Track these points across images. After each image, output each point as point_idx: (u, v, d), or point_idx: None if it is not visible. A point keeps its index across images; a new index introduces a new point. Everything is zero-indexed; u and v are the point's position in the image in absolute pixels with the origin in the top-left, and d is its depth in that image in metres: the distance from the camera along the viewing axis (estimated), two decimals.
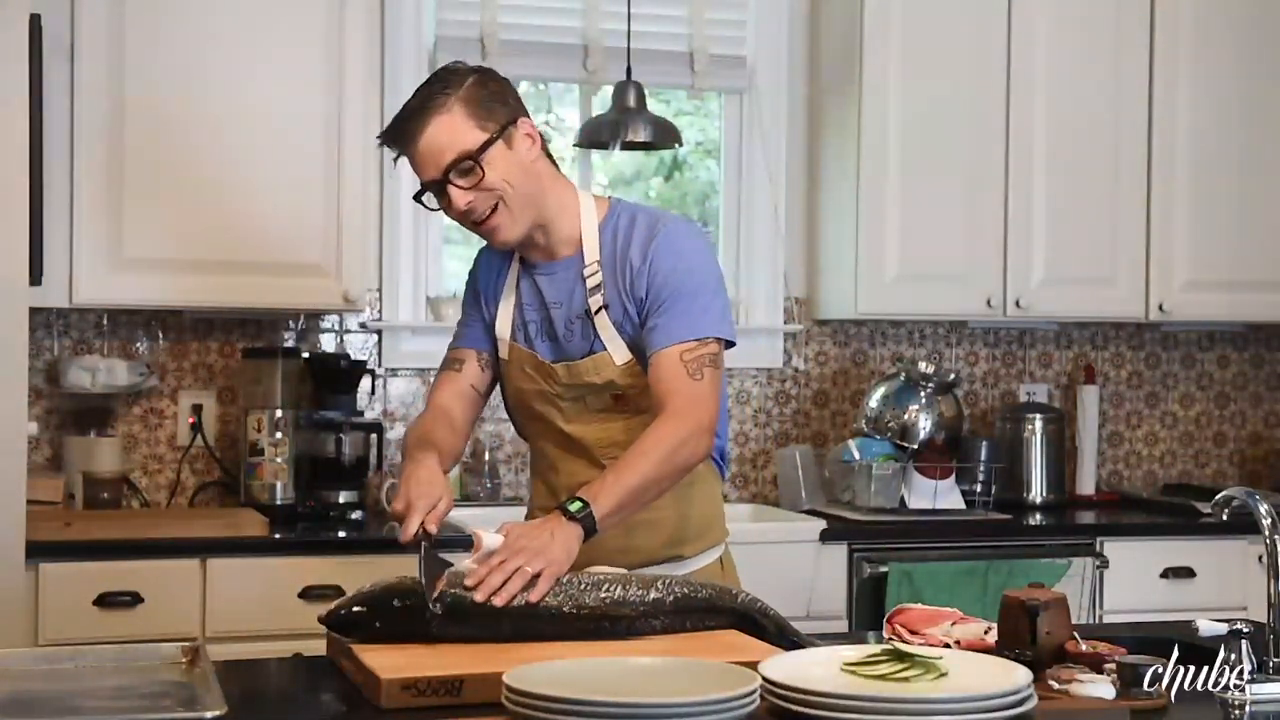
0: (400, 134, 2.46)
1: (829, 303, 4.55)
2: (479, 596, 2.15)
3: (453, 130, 2.42)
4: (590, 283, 2.53)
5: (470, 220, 2.48)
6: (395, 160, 2.52)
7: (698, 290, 2.49)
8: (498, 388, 2.70)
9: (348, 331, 4.30)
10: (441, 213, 2.52)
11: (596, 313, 2.52)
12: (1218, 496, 2.29)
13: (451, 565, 2.23)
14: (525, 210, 2.48)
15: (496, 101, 2.46)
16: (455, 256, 4.52)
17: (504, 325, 2.61)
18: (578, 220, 2.55)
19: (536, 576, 2.18)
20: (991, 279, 4.42)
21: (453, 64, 2.53)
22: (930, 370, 4.35)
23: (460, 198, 2.44)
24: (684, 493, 2.54)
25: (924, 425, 4.30)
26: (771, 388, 4.61)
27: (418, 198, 2.52)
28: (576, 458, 2.58)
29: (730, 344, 2.54)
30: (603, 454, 2.54)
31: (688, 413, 2.41)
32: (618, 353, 2.51)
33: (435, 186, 2.46)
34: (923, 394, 4.32)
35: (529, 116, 2.52)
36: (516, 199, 2.47)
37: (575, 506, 2.30)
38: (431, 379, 4.26)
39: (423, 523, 2.26)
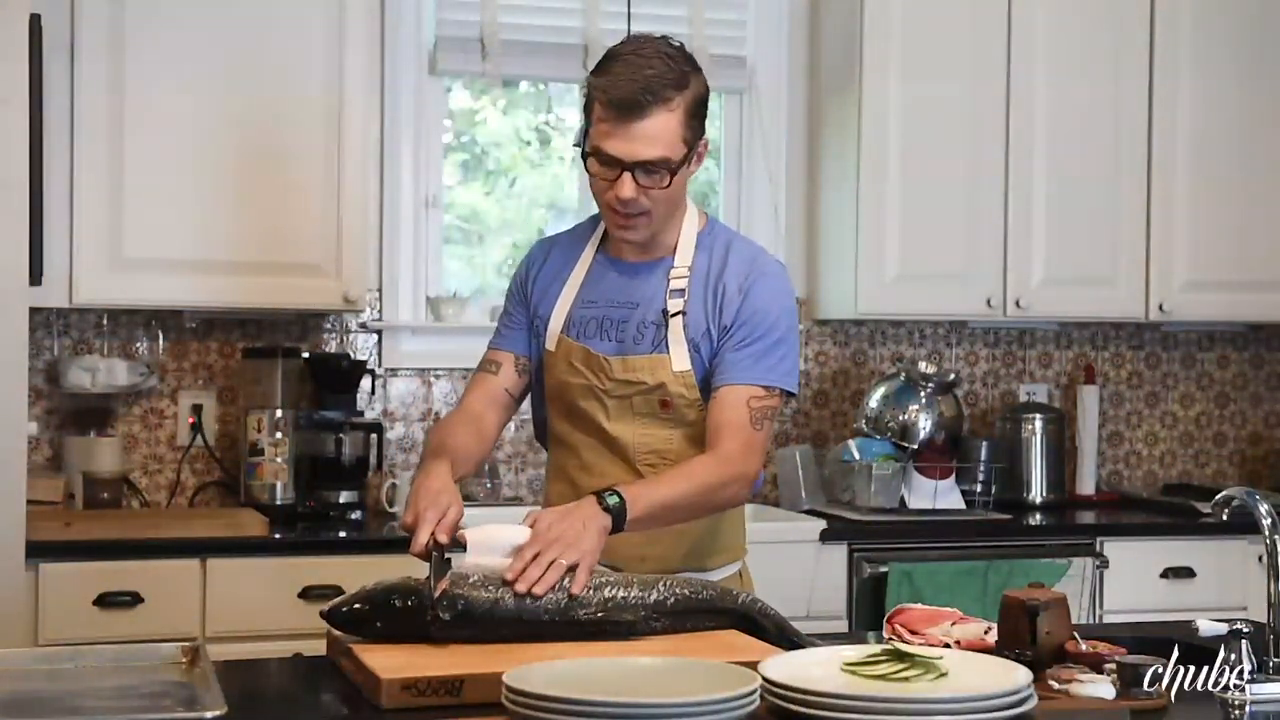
0: (624, 100, 2.39)
1: (829, 303, 4.55)
2: (520, 588, 2.15)
3: (667, 132, 2.41)
4: (674, 285, 2.52)
5: (618, 209, 2.46)
6: (592, 96, 2.44)
7: (781, 339, 2.51)
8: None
9: (348, 331, 4.30)
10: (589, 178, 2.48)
11: (673, 315, 2.51)
12: (1218, 496, 2.29)
13: (453, 567, 2.23)
14: (667, 220, 2.51)
15: (701, 117, 2.47)
16: (455, 256, 4.52)
17: (557, 321, 2.57)
18: (679, 228, 2.56)
19: (572, 568, 2.19)
20: (991, 279, 4.42)
21: (679, 46, 2.49)
22: (930, 370, 4.35)
23: (630, 189, 2.42)
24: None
25: (924, 425, 4.30)
26: None
27: (584, 154, 2.46)
28: (613, 458, 2.55)
29: (791, 395, 2.56)
30: (640, 459, 2.53)
31: (740, 460, 2.43)
32: (678, 359, 2.50)
33: (614, 162, 2.42)
34: (923, 394, 4.32)
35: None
36: (667, 210, 2.49)
37: (613, 500, 2.30)
38: (432, 380, 4.32)
39: (433, 533, 2.26)
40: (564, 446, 2.62)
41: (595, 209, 2.58)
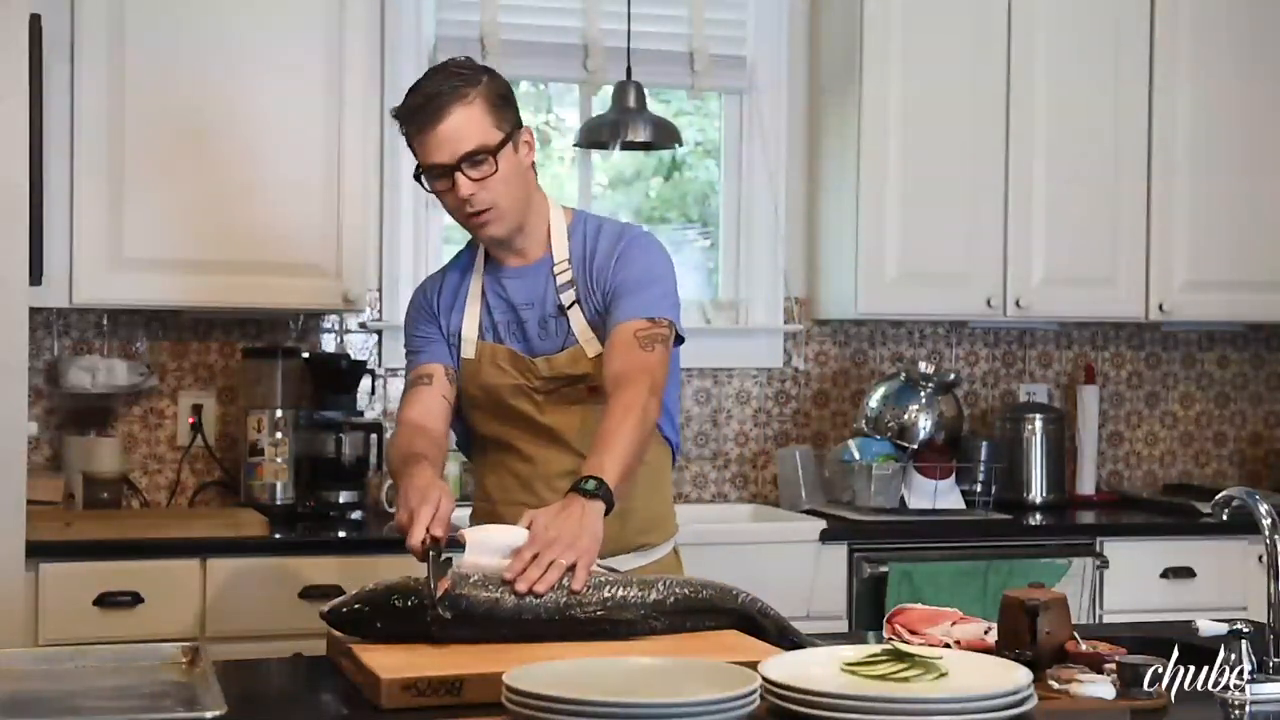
0: (421, 114, 2.52)
1: (829, 303, 4.55)
2: (521, 588, 2.17)
3: (474, 122, 2.51)
4: (560, 280, 2.63)
5: (466, 210, 2.57)
6: (404, 133, 2.56)
7: (657, 280, 2.62)
8: None
9: (348, 331, 4.30)
10: (436, 199, 2.62)
11: (569, 307, 2.62)
12: (1218, 496, 2.29)
13: (453, 566, 2.23)
14: (516, 211, 2.60)
15: (508, 105, 2.58)
16: None
17: (470, 328, 2.67)
18: (548, 225, 2.67)
19: (571, 567, 2.21)
20: (991, 279, 4.42)
21: (463, 59, 2.61)
22: (930, 370, 4.35)
23: (467, 187, 2.53)
24: (652, 481, 2.65)
25: (924, 425, 4.30)
26: (771, 388, 4.61)
27: (418, 177, 2.59)
28: (553, 446, 2.63)
29: (681, 339, 2.64)
30: (579, 442, 2.59)
31: (641, 378, 2.49)
32: (590, 346, 2.60)
33: (442, 171, 2.53)
34: (923, 394, 4.32)
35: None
36: (512, 199, 2.58)
37: (591, 485, 2.32)
38: None
39: (430, 532, 2.27)
40: (498, 444, 2.70)
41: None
